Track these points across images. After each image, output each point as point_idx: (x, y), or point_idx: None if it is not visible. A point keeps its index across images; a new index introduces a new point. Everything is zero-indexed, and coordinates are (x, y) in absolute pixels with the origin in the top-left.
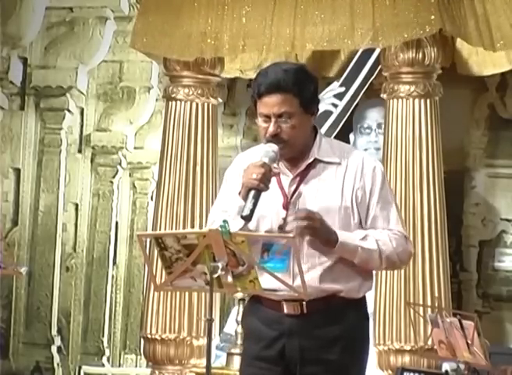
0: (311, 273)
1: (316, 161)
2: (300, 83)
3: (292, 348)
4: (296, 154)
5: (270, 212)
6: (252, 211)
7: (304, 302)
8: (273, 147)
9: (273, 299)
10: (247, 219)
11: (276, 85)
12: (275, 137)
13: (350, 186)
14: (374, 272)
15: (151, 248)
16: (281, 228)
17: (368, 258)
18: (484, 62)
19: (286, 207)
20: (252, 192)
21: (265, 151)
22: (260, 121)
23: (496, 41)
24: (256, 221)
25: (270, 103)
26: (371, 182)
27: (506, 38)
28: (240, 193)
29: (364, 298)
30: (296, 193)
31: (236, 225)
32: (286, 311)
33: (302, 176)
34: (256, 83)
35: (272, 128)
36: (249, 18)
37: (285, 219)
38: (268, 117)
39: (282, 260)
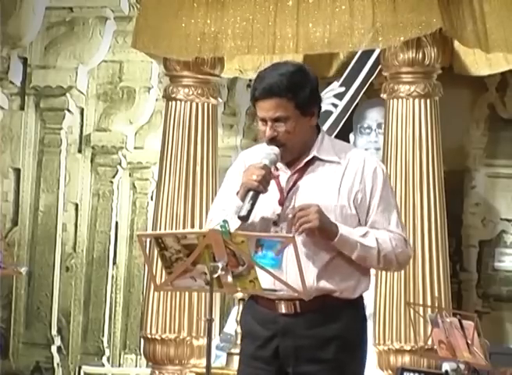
0: (306, 271)
1: (315, 158)
2: (294, 87)
3: (286, 347)
4: (296, 155)
5: (266, 208)
6: (249, 212)
7: (298, 301)
8: (275, 150)
9: (269, 298)
10: (244, 219)
11: (269, 90)
12: (273, 141)
13: (348, 185)
14: (373, 272)
15: (151, 248)
16: (275, 224)
17: (366, 255)
18: (481, 62)
19: (281, 203)
20: (250, 193)
21: (267, 153)
22: (259, 124)
23: (491, 42)
24: (251, 216)
25: (265, 108)
26: (371, 184)
27: (499, 40)
28: (237, 193)
29: (360, 298)
30: (293, 189)
31: (232, 224)
32: (281, 310)
33: (300, 173)
34: (252, 87)
35: (268, 132)
36: (249, 18)
37: (280, 215)
38: (264, 121)
39: (276, 257)
